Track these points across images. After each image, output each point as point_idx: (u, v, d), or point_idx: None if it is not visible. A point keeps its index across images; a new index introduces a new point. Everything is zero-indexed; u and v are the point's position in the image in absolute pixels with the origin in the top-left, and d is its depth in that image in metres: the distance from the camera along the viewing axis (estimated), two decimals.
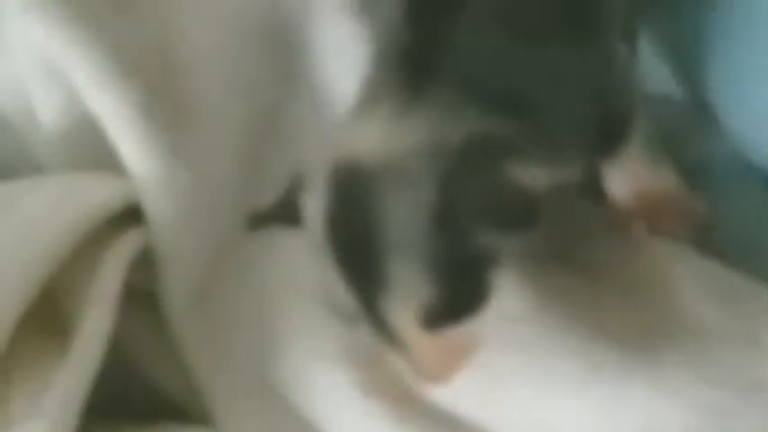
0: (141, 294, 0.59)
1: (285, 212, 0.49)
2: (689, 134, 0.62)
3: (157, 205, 0.57)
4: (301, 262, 0.57)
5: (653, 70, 0.63)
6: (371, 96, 0.49)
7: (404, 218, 0.45)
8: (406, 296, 0.45)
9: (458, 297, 0.46)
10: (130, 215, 0.58)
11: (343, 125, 0.49)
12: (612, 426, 0.50)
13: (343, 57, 0.61)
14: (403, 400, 0.52)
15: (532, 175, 0.46)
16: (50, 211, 0.56)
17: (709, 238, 0.55)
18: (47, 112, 0.60)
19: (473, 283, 0.46)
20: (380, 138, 0.46)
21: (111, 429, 0.56)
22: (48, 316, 0.55)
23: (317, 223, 0.47)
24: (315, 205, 0.47)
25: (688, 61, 0.61)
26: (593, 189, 0.54)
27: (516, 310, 0.52)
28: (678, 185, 0.54)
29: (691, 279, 0.53)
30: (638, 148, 0.52)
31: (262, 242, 0.60)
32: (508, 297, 0.50)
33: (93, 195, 0.57)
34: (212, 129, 0.60)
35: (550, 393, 0.51)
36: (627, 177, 0.53)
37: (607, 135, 0.51)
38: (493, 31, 0.49)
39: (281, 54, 0.63)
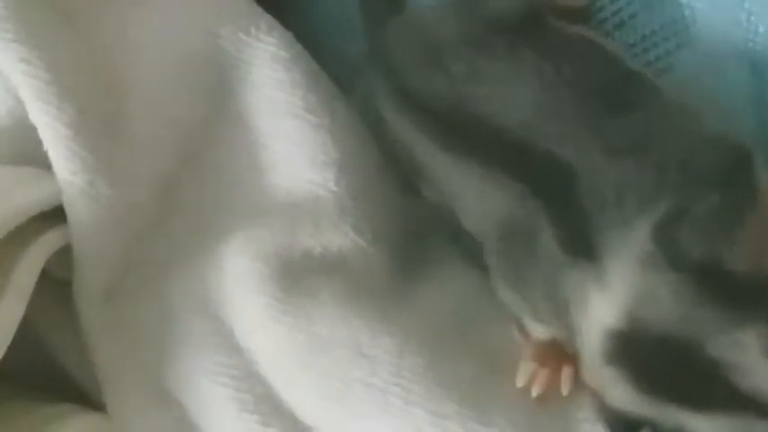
0: (62, 283, 0.64)
1: None
2: None
3: (77, 212, 0.61)
4: (205, 277, 0.63)
5: None
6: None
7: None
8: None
9: None
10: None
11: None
12: None
13: (271, 100, 0.65)
14: None
15: None
16: None
17: None
18: None
19: None
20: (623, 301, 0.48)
21: (12, 407, 0.62)
22: None
23: None
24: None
25: None
26: None
27: None
28: None
29: None
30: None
31: (174, 253, 0.64)
32: None
33: (24, 194, 0.61)
34: (140, 151, 0.63)
35: None
36: None
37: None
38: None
39: (216, 89, 0.66)
